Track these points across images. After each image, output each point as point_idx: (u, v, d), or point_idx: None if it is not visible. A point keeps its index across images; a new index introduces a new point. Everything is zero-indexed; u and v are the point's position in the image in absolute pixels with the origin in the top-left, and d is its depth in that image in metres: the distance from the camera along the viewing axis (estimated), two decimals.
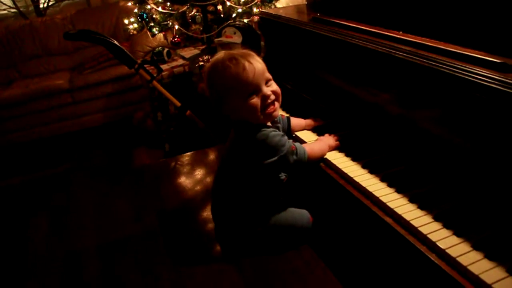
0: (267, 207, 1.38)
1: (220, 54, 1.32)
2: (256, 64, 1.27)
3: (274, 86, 1.32)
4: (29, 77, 4.28)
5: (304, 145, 1.42)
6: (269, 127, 1.34)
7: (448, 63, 1.10)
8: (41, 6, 4.91)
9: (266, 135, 1.29)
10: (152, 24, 2.99)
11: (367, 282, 1.40)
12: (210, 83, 1.33)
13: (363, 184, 1.26)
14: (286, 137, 1.34)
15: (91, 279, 2.33)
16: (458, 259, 0.94)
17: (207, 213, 1.59)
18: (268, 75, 1.31)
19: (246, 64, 1.26)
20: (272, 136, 1.29)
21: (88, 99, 4.10)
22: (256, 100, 1.28)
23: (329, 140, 1.50)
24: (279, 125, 1.44)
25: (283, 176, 1.38)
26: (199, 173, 1.88)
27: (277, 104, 1.33)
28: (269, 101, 1.30)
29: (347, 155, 1.43)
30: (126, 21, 3.19)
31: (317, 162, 1.44)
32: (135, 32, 3.19)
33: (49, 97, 3.97)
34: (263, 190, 1.37)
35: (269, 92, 1.29)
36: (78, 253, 2.54)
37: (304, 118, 1.69)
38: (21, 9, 4.93)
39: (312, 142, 1.53)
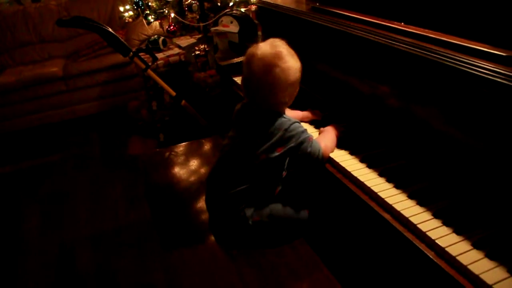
0: (263, 200, 1.36)
1: (279, 46, 1.33)
2: None
3: None
4: (23, 64, 4.22)
5: (317, 139, 1.40)
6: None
7: (451, 56, 1.07)
8: None
9: (289, 124, 1.31)
10: (148, 11, 2.93)
11: (363, 279, 1.38)
12: (273, 70, 1.28)
13: (361, 178, 1.24)
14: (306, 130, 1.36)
15: (84, 269, 2.31)
16: (458, 258, 0.92)
17: (200, 203, 1.58)
18: None
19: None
20: (296, 126, 1.32)
21: (83, 87, 4.05)
22: None
23: (335, 130, 1.48)
24: None
25: (283, 172, 1.37)
26: (193, 163, 1.87)
27: None
28: None
29: (345, 149, 1.41)
30: (121, 9, 3.13)
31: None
32: (130, 19, 3.13)
33: (42, 84, 3.92)
34: (263, 184, 1.35)
35: None
36: (71, 243, 2.51)
37: (302, 110, 1.66)
38: None
39: (322, 136, 1.46)
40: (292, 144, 1.29)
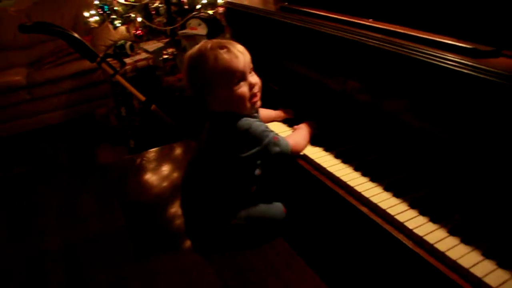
0: (239, 201, 1.35)
1: (206, 42, 1.30)
2: (245, 53, 1.30)
3: (256, 77, 1.33)
4: None
5: (286, 137, 1.39)
6: (252, 117, 1.32)
7: (420, 50, 1.10)
8: None
9: (250, 125, 1.28)
10: (114, 16, 2.89)
11: (344, 272, 1.39)
12: (195, 70, 1.29)
13: (337, 174, 1.25)
14: (269, 128, 1.33)
15: (55, 281, 2.24)
16: (435, 245, 0.94)
17: (175, 208, 1.55)
18: (251, 65, 1.32)
19: (237, 52, 1.27)
20: (256, 126, 1.29)
21: (48, 96, 3.92)
22: (244, 89, 1.28)
23: (308, 127, 1.48)
24: (258, 116, 1.41)
25: (257, 171, 1.36)
26: (166, 168, 1.84)
27: (259, 95, 1.34)
28: (255, 90, 1.31)
29: (319, 146, 1.42)
30: (86, 14, 3.06)
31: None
32: (96, 25, 3.07)
33: (5, 94, 3.77)
34: (237, 184, 1.34)
35: (254, 81, 1.31)
36: (42, 256, 2.43)
37: (274, 109, 1.67)
38: None
39: (293, 133, 1.48)
40: (258, 148, 1.28)
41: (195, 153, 1.42)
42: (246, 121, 1.28)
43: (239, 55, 1.27)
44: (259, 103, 1.35)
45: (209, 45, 1.28)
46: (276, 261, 1.27)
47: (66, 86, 3.93)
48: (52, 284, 2.24)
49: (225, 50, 1.26)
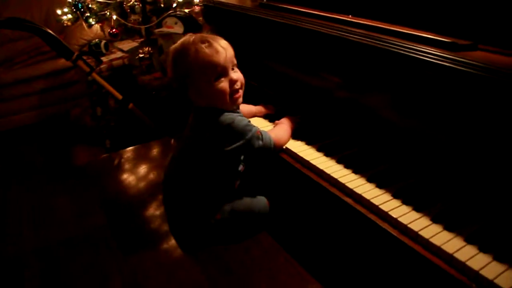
0: (223, 196, 1.35)
1: (190, 36, 1.31)
2: (228, 48, 1.30)
3: (239, 73, 1.34)
4: None
5: (268, 132, 1.40)
6: (234, 112, 1.33)
7: (400, 44, 1.12)
8: None
9: (233, 119, 1.28)
10: (88, 14, 2.83)
11: (330, 263, 1.40)
12: (177, 63, 1.31)
13: (320, 166, 1.26)
14: (251, 123, 1.34)
15: (33, 282, 2.18)
16: (420, 232, 0.97)
17: (157, 206, 1.53)
18: (235, 61, 1.33)
19: (219, 47, 1.27)
20: (239, 121, 1.29)
21: (19, 96, 3.81)
22: (224, 84, 1.29)
23: (289, 122, 1.50)
24: (240, 112, 1.41)
25: (241, 166, 1.36)
26: (145, 166, 1.82)
27: (241, 91, 1.34)
28: (236, 86, 1.31)
29: (301, 139, 1.44)
30: (59, 11, 2.99)
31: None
32: (69, 23, 3.00)
33: None
34: (221, 179, 1.34)
35: (236, 77, 1.31)
36: (17, 258, 2.37)
37: (254, 105, 1.68)
38: None
39: (275, 128, 1.49)
40: (241, 142, 1.28)
41: (178, 149, 1.41)
42: (228, 115, 1.29)
43: (221, 50, 1.27)
44: (240, 100, 1.36)
45: (191, 39, 1.29)
46: (261, 256, 1.27)
47: (39, 86, 3.82)
48: (30, 284, 2.18)
49: (206, 44, 1.26)
